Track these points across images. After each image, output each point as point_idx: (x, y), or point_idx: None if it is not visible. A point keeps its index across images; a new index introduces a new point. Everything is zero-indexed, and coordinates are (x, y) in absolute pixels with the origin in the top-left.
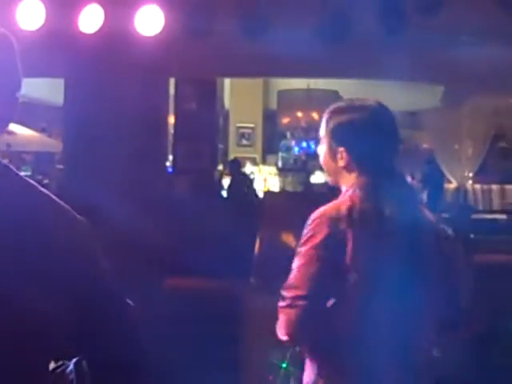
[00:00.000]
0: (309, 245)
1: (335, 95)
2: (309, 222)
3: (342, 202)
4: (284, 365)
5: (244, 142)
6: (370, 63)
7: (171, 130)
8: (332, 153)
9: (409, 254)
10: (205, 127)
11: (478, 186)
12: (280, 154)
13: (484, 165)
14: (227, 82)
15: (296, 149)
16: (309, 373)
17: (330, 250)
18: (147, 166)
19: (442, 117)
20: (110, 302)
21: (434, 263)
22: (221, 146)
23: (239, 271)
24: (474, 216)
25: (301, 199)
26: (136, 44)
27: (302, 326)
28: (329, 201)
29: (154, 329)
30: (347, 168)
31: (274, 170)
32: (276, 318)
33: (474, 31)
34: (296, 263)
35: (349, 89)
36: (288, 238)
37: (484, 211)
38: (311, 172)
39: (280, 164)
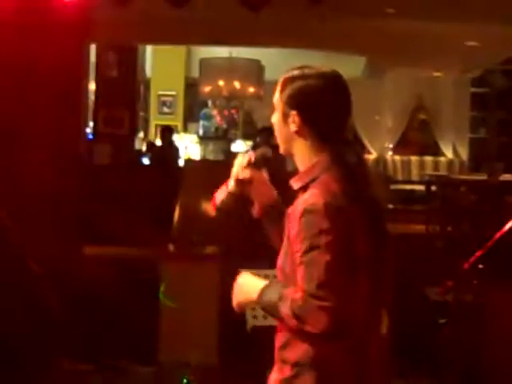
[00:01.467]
0: (328, 237)
1: (257, 64)
2: (312, 213)
3: (330, 187)
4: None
5: (165, 109)
6: (292, 33)
7: (92, 97)
8: (284, 117)
9: (381, 230)
10: (126, 94)
11: (397, 157)
12: (201, 122)
13: (404, 136)
14: (149, 49)
15: (217, 117)
16: (307, 350)
17: (348, 240)
18: (66, 132)
19: (363, 88)
20: (13, 268)
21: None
22: (142, 113)
23: (159, 238)
24: (393, 186)
25: (221, 168)
26: (56, 9)
27: (343, 323)
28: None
29: (73, 296)
30: (299, 133)
31: (195, 138)
32: (193, 283)
33: (398, 4)
34: (316, 257)
35: (271, 58)
36: (208, 207)
37: (403, 182)
38: (232, 140)
39: (201, 132)
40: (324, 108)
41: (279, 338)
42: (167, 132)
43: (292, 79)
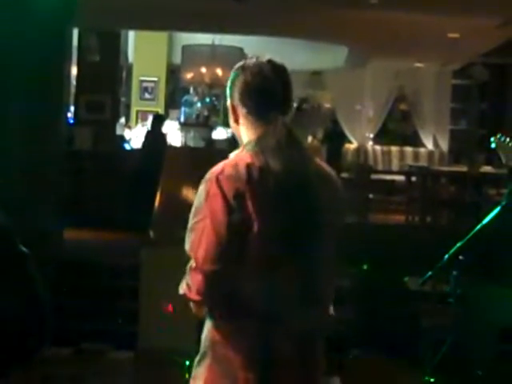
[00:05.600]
0: (211, 206)
1: (240, 52)
2: (206, 181)
3: (239, 160)
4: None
5: (147, 95)
6: (276, 21)
7: (74, 82)
8: (229, 108)
9: (307, 211)
10: (107, 79)
11: (377, 147)
12: (183, 108)
13: (384, 126)
14: (131, 34)
15: (199, 104)
16: (208, 332)
17: (233, 212)
18: (47, 116)
19: (345, 77)
20: (7, 253)
21: (331, 218)
22: (123, 98)
23: (139, 224)
24: (374, 176)
25: (202, 154)
26: None
27: (213, 289)
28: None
29: (53, 279)
30: (237, 122)
31: (176, 124)
32: (173, 270)
33: None
34: (198, 223)
35: (254, 46)
36: (188, 193)
37: (383, 172)
38: (213, 128)
39: (182, 119)
40: (247, 95)
41: None
42: (157, 120)
43: (233, 71)
